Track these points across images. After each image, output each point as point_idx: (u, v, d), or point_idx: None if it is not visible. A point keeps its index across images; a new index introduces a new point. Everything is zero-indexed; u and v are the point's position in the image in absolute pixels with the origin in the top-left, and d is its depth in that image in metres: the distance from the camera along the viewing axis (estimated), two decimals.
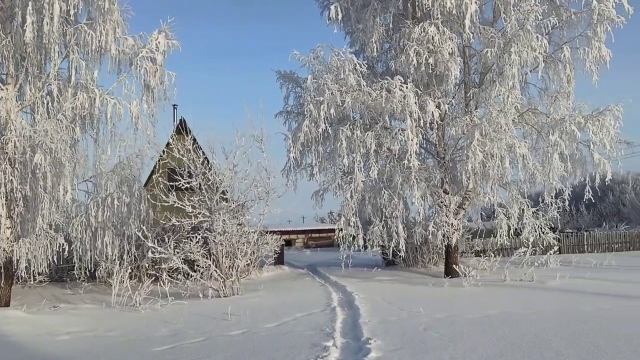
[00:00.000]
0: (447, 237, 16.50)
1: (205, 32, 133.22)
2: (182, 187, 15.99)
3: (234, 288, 14.65)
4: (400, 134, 15.32)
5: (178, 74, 14.13)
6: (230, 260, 15.01)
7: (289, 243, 45.52)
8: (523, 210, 17.08)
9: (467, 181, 15.27)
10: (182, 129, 18.93)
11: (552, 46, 16.58)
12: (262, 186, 16.43)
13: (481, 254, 20.49)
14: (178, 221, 15.61)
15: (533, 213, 17.41)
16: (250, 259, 16.62)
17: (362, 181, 15.58)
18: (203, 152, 16.89)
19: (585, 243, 25.78)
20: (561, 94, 16.82)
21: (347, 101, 15.10)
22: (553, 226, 18.76)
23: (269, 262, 20.59)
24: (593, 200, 16.95)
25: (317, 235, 51.35)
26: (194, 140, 16.89)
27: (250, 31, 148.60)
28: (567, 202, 17.85)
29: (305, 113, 15.50)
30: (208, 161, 16.50)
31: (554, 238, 18.02)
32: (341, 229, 16.18)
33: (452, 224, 16.49)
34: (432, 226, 16.23)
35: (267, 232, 18.39)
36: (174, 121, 23.16)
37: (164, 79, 14.02)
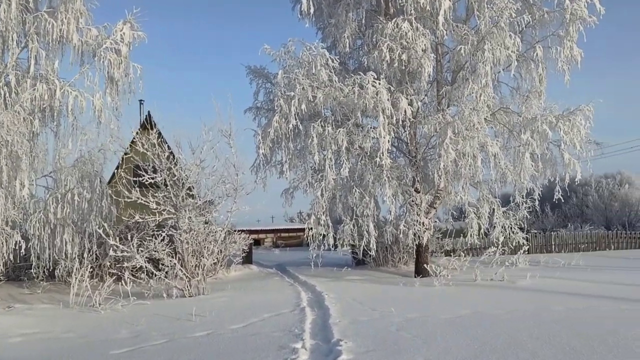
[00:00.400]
0: (418, 236, 16.38)
1: (172, 26, 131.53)
2: (147, 183, 15.47)
3: (199, 288, 14.27)
4: (373, 131, 15.18)
5: (146, 69, 13.69)
6: (196, 259, 14.63)
7: (257, 242, 45.43)
8: (493, 209, 17.08)
9: (438, 180, 15.22)
10: (147, 123, 18.39)
11: (524, 45, 16.52)
12: (230, 183, 15.96)
13: (451, 254, 20.48)
14: (142, 218, 15.10)
15: (503, 213, 17.40)
16: (217, 258, 16.25)
17: (333, 179, 15.37)
18: (168, 146, 16.38)
19: (552, 243, 26.23)
20: (533, 93, 16.92)
21: (318, 97, 14.86)
22: (522, 226, 18.85)
23: (237, 262, 20.26)
24: (563, 200, 16.98)
25: (287, 234, 51.44)
26: (159, 134, 16.35)
27: (220, 26, 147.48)
28: (537, 202, 17.95)
29: (276, 108, 15.21)
30: (174, 156, 16.01)
31: (523, 238, 18.11)
32: (311, 228, 15.96)
33: (423, 223, 16.36)
34: (403, 225, 16.06)
35: (235, 231, 18.04)
36: (140, 117, 22.59)
37: (128, 72, 13.55)
